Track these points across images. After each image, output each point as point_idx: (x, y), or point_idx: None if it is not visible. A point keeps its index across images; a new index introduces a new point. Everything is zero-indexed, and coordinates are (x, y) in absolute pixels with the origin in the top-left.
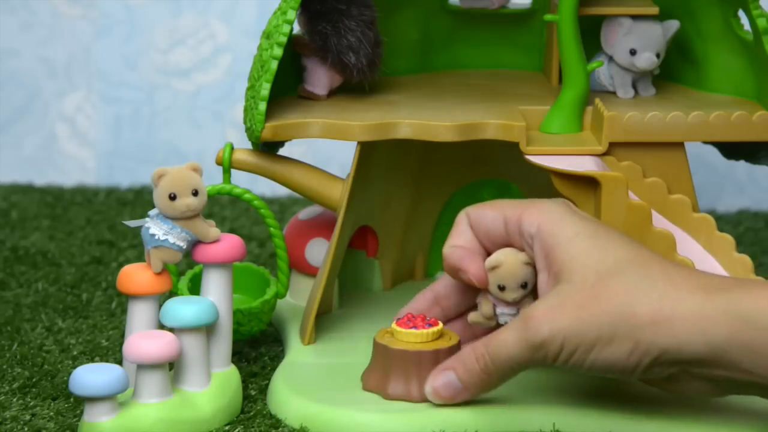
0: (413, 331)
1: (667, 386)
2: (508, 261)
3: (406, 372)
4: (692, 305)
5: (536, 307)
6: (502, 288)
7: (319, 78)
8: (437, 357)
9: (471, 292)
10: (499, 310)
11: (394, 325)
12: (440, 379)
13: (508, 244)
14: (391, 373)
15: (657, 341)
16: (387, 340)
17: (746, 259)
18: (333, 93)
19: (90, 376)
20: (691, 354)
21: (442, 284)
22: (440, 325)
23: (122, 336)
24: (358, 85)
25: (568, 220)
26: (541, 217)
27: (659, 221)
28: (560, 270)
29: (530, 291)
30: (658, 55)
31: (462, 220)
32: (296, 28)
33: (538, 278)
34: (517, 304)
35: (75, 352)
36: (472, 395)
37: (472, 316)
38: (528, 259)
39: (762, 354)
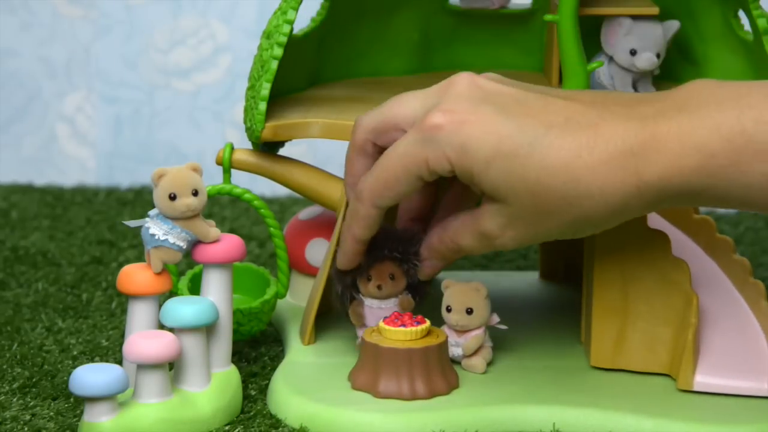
0: (402, 329)
1: None
2: (458, 284)
3: (397, 370)
4: (627, 200)
5: (489, 225)
6: (449, 309)
7: None
8: (427, 354)
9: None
10: (450, 340)
11: (381, 324)
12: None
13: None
14: (381, 372)
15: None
16: (376, 338)
17: (745, 262)
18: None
19: (90, 376)
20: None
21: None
22: (427, 322)
23: (122, 336)
24: (358, 84)
25: (472, 145)
26: (451, 155)
27: (658, 222)
28: (492, 196)
29: (478, 322)
30: (658, 56)
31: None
32: (296, 29)
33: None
34: (463, 335)
35: (75, 352)
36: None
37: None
38: (479, 287)
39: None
